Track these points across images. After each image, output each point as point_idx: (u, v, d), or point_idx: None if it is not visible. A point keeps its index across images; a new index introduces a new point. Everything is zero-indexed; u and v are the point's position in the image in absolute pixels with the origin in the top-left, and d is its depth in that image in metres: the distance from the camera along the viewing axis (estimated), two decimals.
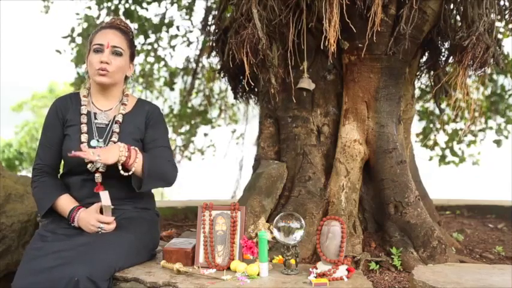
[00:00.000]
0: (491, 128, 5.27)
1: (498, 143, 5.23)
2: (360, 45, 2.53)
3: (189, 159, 5.90)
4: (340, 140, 2.64)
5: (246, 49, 2.46)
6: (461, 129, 5.15)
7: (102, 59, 2.10)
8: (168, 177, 2.15)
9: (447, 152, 5.36)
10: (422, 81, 3.25)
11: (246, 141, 5.68)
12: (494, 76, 4.94)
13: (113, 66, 2.13)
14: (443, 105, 5.05)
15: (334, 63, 2.71)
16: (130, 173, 2.03)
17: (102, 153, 1.94)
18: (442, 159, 5.32)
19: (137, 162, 2.02)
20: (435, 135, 5.33)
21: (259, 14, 2.44)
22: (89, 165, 2.08)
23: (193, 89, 5.56)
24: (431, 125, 5.30)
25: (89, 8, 4.87)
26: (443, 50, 2.85)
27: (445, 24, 2.61)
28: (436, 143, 5.33)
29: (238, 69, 2.83)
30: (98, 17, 4.86)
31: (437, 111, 5.20)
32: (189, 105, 5.64)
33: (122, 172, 2.02)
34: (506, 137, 5.19)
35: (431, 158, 5.36)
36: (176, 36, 5.26)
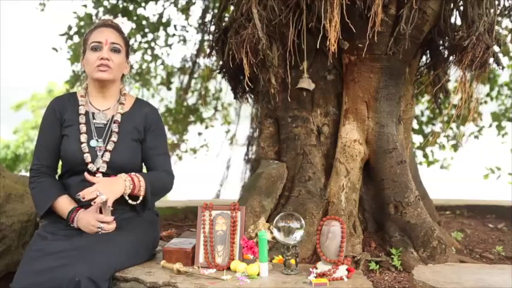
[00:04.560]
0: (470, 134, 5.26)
1: (455, 147, 5.25)
2: (360, 45, 2.53)
3: (180, 158, 5.92)
4: (340, 140, 2.64)
5: (246, 49, 2.46)
6: (449, 130, 5.17)
7: (103, 55, 2.10)
8: (166, 189, 2.24)
9: (419, 153, 5.38)
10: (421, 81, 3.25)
11: (236, 141, 5.74)
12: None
13: (113, 63, 2.12)
14: (422, 107, 5.08)
15: (334, 63, 2.71)
16: (139, 201, 2.06)
17: (108, 189, 1.95)
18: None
19: (141, 190, 2.06)
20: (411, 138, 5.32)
21: (259, 14, 2.44)
22: (89, 166, 2.07)
23: (190, 88, 5.58)
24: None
25: (85, 6, 4.87)
26: (443, 50, 2.85)
27: (445, 24, 2.61)
28: (412, 143, 5.33)
29: (238, 69, 2.83)
30: (96, 15, 4.86)
31: (417, 112, 5.23)
32: (185, 104, 5.66)
33: (130, 201, 2.05)
34: (461, 144, 5.21)
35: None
36: (173, 35, 5.27)
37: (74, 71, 5.17)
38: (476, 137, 5.18)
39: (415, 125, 5.26)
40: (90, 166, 2.07)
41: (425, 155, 5.34)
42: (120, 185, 2.00)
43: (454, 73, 2.85)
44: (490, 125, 5.18)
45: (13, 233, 2.76)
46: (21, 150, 12.25)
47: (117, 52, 2.15)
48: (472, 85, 2.65)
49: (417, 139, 5.35)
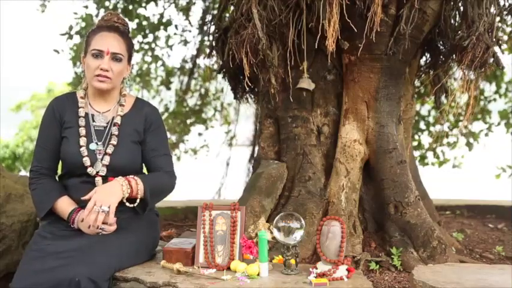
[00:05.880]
0: (477, 132, 5.23)
1: (469, 146, 5.20)
2: (359, 45, 2.53)
3: (178, 158, 5.92)
4: (340, 140, 2.64)
5: (246, 49, 2.46)
6: (455, 129, 5.14)
7: (102, 66, 2.06)
8: (167, 190, 2.20)
9: (428, 153, 5.35)
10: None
11: (236, 141, 5.74)
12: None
13: (112, 73, 2.09)
14: (428, 108, 5.06)
15: (334, 63, 2.71)
16: (135, 204, 2.04)
17: (107, 199, 1.93)
18: (422, 159, 5.31)
19: (139, 193, 2.03)
20: (419, 136, 5.32)
21: (259, 14, 2.44)
22: (88, 169, 2.06)
23: (190, 89, 5.58)
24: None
25: (86, 7, 4.86)
26: (443, 50, 2.85)
27: (445, 24, 2.62)
28: (420, 144, 5.32)
29: (238, 69, 2.83)
30: (96, 15, 4.85)
31: (422, 112, 5.22)
32: (185, 104, 5.65)
33: (127, 204, 2.02)
34: (477, 142, 5.17)
35: (416, 158, 5.35)
36: (175, 34, 5.27)
37: (76, 73, 5.16)
38: (486, 134, 5.15)
39: (423, 126, 5.26)
40: (90, 170, 2.06)
41: (436, 156, 5.31)
42: (117, 191, 1.97)
43: (455, 73, 2.85)
44: (499, 123, 5.14)
45: (13, 233, 2.76)
46: (21, 150, 12.24)
47: (118, 61, 2.10)
48: (474, 84, 2.65)
49: (426, 140, 5.34)
